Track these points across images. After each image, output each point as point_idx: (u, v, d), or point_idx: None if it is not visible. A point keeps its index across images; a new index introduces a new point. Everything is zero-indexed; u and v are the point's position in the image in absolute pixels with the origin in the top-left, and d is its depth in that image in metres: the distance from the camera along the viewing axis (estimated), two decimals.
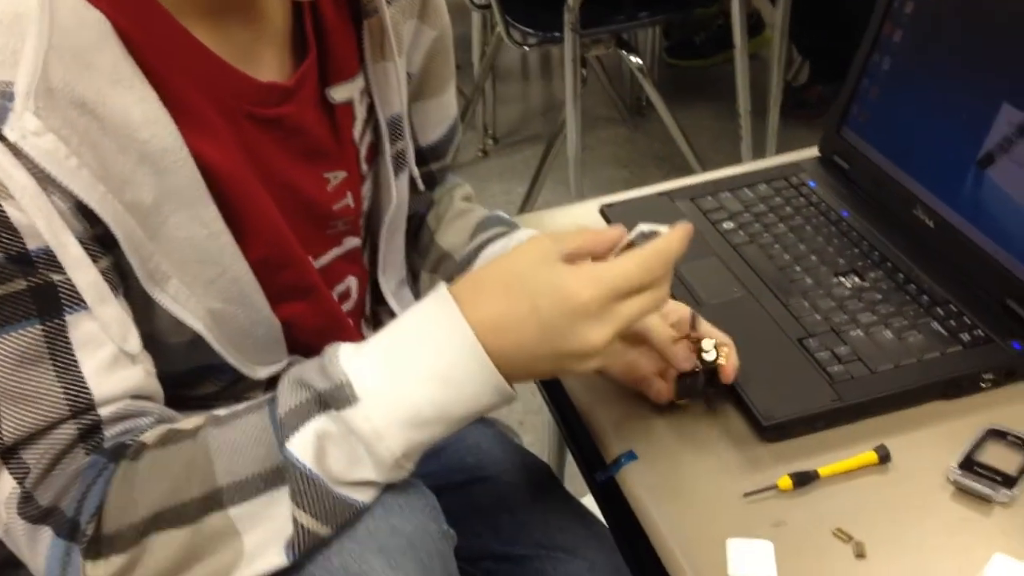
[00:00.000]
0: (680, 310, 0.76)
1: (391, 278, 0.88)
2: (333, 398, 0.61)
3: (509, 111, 2.94)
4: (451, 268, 0.88)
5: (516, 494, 0.89)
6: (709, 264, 0.88)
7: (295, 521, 0.61)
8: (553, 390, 0.90)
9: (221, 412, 0.65)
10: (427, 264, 0.91)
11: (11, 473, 0.61)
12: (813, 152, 1.04)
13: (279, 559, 0.61)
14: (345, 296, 0.84)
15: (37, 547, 0.62)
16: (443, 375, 0.61)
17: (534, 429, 1.79)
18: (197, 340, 0.70)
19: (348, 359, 0.63)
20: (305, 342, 0.78)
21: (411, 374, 0.62)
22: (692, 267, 0.87)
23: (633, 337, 0.75)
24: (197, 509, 0.61)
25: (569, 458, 1.05)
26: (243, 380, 0.74)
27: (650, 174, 2.59)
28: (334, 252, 0.81)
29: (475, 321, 0.61)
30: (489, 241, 0.87)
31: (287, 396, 0.63)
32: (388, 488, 0.65)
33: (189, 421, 0.65)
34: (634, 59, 2.28)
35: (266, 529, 0.61)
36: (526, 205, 2.39)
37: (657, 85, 2.46)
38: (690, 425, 0.76)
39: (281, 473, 0.61)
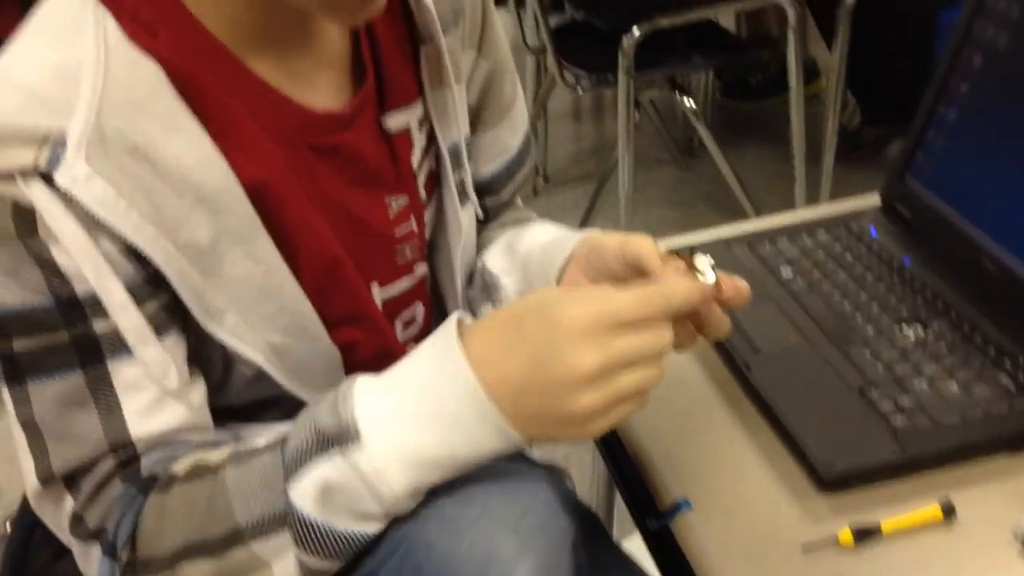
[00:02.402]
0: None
1: (454, 308, 0.88)
2: (337, 437, 0.61)
3: (561, 150, 2.96)
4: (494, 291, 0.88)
5: None
6: (767, 311, 0.87)
7: (300, 563, 0.63)
8: None
9: (243, 448, 0.66)
10: (475, 288, 0.91)
11: (69, 494, 0.66)
12: (872, 199, 1.03)
13: None
14: (410, 322, 0.85)
15: (91, 562, 0.67)
16: (444, 416, 0.60)
17: (580, 464, 1.78)
18: (261, 373, 0.71)
19: (361, 394, 0.63)
20: (363, 369, 0.79)
21: (414, 414, 0.61)
22: (750, 314, 0.86)
23: (626, 267, 0.72)
24: (222, 544, 0.63)
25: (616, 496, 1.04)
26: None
27: (700, 214, 2.58)
28: (406, 282, 0.82)
29: (472, 357, 0.60)
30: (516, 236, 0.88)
31: (296, 435, 0.64)
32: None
33: (217, 453, 0.67)
34: (687, 102, 2.28)
35: (291, 560, 0.63)
36: None
37: (710, 125, 2.46)
38: (746, 471, 0.75)
39: (285, 518, 0.62)
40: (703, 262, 0.68)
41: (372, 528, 0.63)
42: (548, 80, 2.61)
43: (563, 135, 3.05)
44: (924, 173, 0.97)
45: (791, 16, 2.09)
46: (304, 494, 0.61)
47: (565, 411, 0.58)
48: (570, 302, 0.59)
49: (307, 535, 0.62)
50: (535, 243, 0.85)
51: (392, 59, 0.77)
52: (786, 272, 0.92)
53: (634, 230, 2.33)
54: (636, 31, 1.96)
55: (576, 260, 0.78)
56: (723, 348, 0.84)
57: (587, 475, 1.65)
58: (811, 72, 2.86)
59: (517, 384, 0.59)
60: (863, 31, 2.19)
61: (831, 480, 0.71)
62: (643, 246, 0.70)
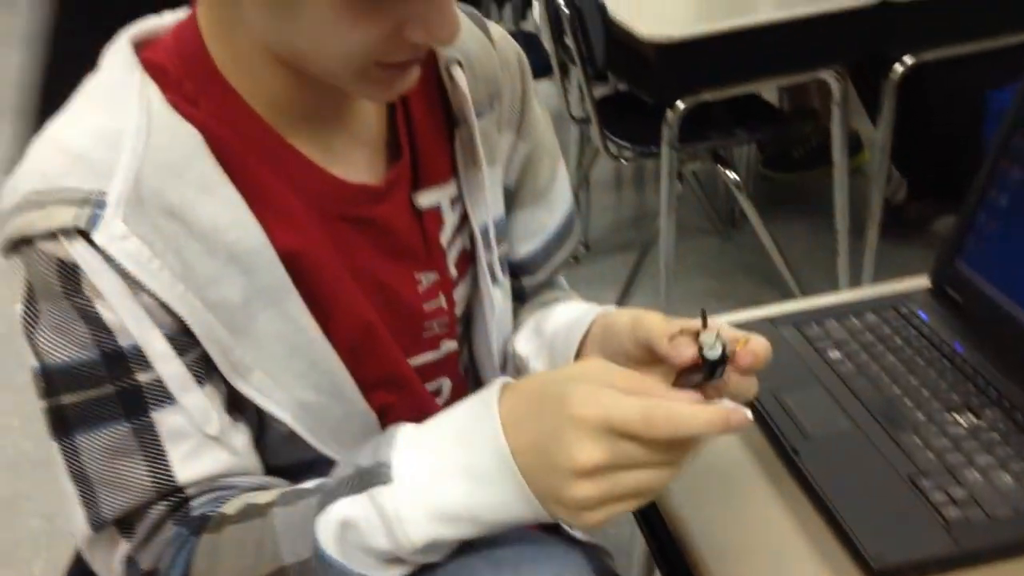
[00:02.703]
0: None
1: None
2: (370, 475, 0.62)
3: (601, 219, 2.97)
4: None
5: None
6: (814, 394, 0.86)
7: None
8: None
9: (291, 489, 0.68)
10: (508, 372, 0.91)
11: (122, 537, 0.68)
12: (920, 279, 1.02)
13: None
14: (436, 394, 0.85)
15: None
16: (472, 471, 0.61)
17: (619, 541, 1.75)
18: (295, 434, 0.72)
19: (401, 440, 0.64)
20: None
21: (445, 466, 0.62)
22: (797, 397, 0.85)
23: (639, 346, 0.71)
24: None
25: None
26: None
27: (740, 284, 2.57)
28: (430, 355, 0.83)
29: (504, 420, 0.61)
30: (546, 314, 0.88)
31: (336, 474, 0.66)
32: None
33: (266, 494, 0.68)
34: (730, 174, 2.29)
35: None
36: None
37: (752, 196, 2.46)
38: (792, 557, 0.73)
39: (317, 556, 0.63)
40: (710, 339, 0.67)
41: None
42: (591, 150, 2.63)
43: (605, 203, 3.07)
44: (975, 257, 0.96)
45: (835, 91, 2.09)
46: (327, 529, 0.63)
47: (563, 496, 0.59)
48: (583, 401, 0.59)
49: (324, 573, 0.63)
50: (560, 323, 0.85)
51: (427, 138, 0.78)
52: (834, 354, 0.91)
53: (674, 300, 2.32)
54: (681, 104, 1.98)
55: (592, 339, 0.79)
56: (770, 431, 0.83)
57: (626, 552, 1.63)
58: (854, 145, 2.86)
59: (529, 457, 0.60)
60: (909, 107, 2.19)
61: (881, 572, 0.69)
62: (653, 327, 0.70)
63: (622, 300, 2.39)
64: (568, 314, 0.85)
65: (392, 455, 0.63)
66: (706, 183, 2.89)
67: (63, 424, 0.67)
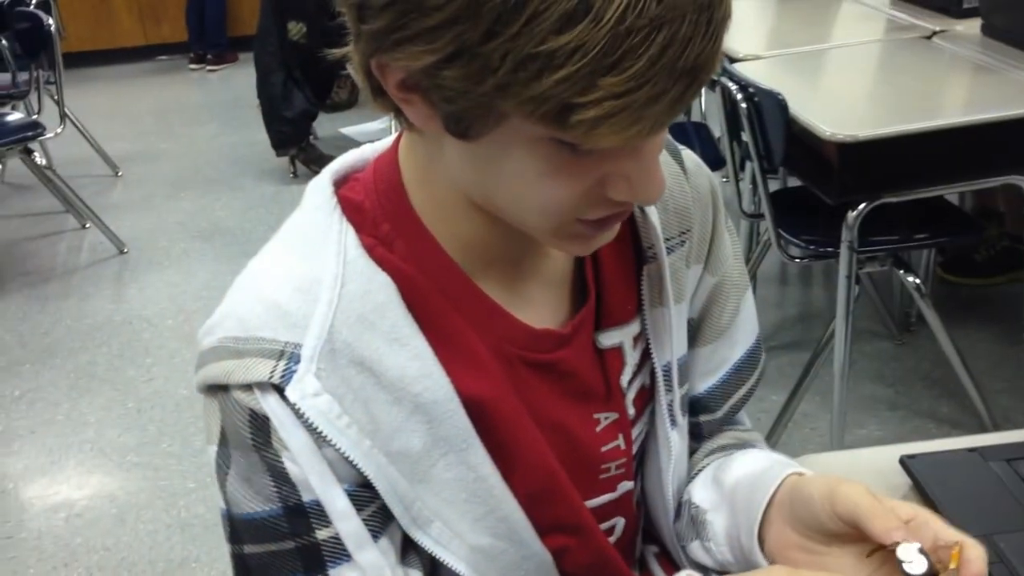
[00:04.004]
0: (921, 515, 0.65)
1: (665, 528, 0.85)
2: None
3: (766, 316, 2.89)
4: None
5: None
6: None
7: None
8: None
9: None
10: (683, 522, 0.86)
11: None
12: None
13: None
14: (609, 532, 0.82)
15: None
16: None
17: None
18: None
19: None
20: (577, 575, 0.76)
21: None
22: (1013, 541, 0.79)
23: (838, 521, 0.66)
24: None
25: None
26: None
27: (917, 395, 2.44)
28: (607, 497, 0.80)
29: None
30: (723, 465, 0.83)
31: None
32: None
33: None
34: (911, 279, 2.19)
35: None
36: (783, 416, 2.31)
37: (929, 300, 2.35)
38: None
39: None
40: (908, 553, 0.61)
41: None
42: (762, 246, 2.58)
43: (770, 299, 2.99)
44: None
45: None
46: None
47: None
48: None
49: None
50: (740, 477, 0.80)
51: (614, 279, 0.77)
52: None
53: (846, 408, 2.20)
54: (862, 205, 1.92)
55: (780, 508, 0.73)
56: None
57: None
58: None
59: None
60: None
61: None
62: (860, 506, 0.65)
63: (789, 403, 2.31)
64: (748, 467, 0.81)
65: None
66: (880, 284, 2.78)
67: (245, 572, 0.69)
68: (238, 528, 0.68)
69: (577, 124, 0.53)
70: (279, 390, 0.64)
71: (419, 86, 0.57)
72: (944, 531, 0.64)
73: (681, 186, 0.79)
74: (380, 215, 0.69)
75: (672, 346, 0.79)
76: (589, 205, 0.62)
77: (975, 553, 0.62)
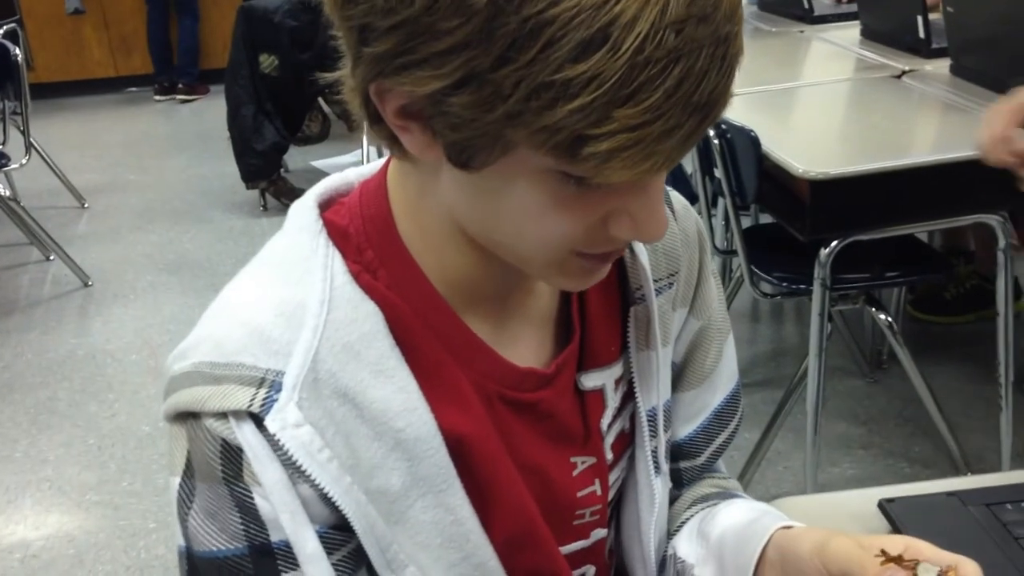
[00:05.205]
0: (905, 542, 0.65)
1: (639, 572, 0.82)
2: None
3: (738, 352, 2.85)
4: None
5: None
6: None
7: None
8: None
9: None
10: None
11: None
12: None
13: None
14: None
15: None
16: None
17: None
18: None
19: None
20: None
21: None
22: None
23: None
24: None
25: None
26: None
27: (889, 433, 2.43)
28: (579, 544, 0.78)
29: None
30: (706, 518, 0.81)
31: None
32: None
33: None
34: (883, 316, 2.19)
35: None
36: (756, 454, 2.29)
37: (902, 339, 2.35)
38: None
39: None
40: (927, 570, 0.61)
41: None
42: (734, 283, 2.58)
43: (742, 336, 2.98)
44: None
45: (1000, 236, 1.99)
46: None
47: None
48: None
49: None
50: (726, 528, 0.78)
51: (599, 319, 0.75)
52: None
53: (817, 446, 2.18)
54: (835, 243, 1.91)
55: (770, 565, 0.72)
56: None
57: None
58: (1015, 291, 2.72)
59: None
60: None
61: None
62: (850, 560, 0.64)
63: (762, 441, 2.29)
64: (733, 518, 0.79)
65: None
66: (851, 321, 2.78)
67: None
68: (197, 567, 0.63)
69: (589, 157, 0.51)
70: (257, 420, 0.60)
71: (421, 113, 0.55)
72: (938, 555, 0.63)
73: (670, 228, 0.78)
74: (365, 242, 0.66)
75: (659, 390, 0.77)
76: (589, 241, 0.60)
77: (970, 569, 0.62)
